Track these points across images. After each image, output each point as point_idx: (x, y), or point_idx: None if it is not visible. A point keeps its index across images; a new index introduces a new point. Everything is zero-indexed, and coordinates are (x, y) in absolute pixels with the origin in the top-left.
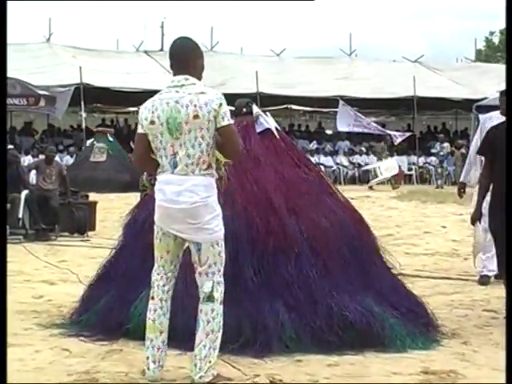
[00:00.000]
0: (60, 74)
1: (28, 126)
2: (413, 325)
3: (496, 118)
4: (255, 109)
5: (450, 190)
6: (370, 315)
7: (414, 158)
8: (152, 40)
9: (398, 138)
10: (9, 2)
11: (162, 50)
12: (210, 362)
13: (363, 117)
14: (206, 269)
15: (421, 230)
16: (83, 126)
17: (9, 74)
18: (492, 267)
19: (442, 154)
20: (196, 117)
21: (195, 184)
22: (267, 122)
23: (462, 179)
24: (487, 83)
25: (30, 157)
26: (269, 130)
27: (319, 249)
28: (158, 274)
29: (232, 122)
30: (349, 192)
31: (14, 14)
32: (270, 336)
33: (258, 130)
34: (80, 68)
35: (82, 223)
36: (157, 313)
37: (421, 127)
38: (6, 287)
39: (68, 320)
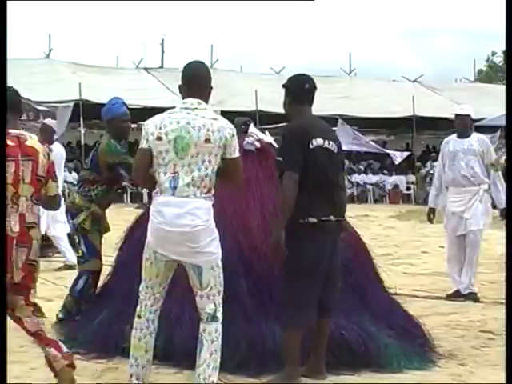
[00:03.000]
0: (59, 89)
1: None
2: (409, 345)
3: (454, 141)
4: (252, 128)
5: None
6: (366, 335)
7: (412, 178)
8: (152, 57)
9: (398, 157)
10: (9, 18)
11: (161, 66)
12: (213, 381)
13: (362, 135)
14: (208, 292)
15: (419, 250)
16: (82, 142)
17: None
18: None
19: (432, 172)
20: (207, 141)
21: (197, 207)
22: (254, 143)
23: (430, 204)
24: (486, 104)
25: None
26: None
27: None
28: (146, 294)
29: (239, 154)
30: (347, 211)
31: (14, 29)
32: (265, 355)
33: (246, 147)
34: (79, 84)
35: None
36: (143, 332)
37: (420, 147)
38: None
39: (64, 337)
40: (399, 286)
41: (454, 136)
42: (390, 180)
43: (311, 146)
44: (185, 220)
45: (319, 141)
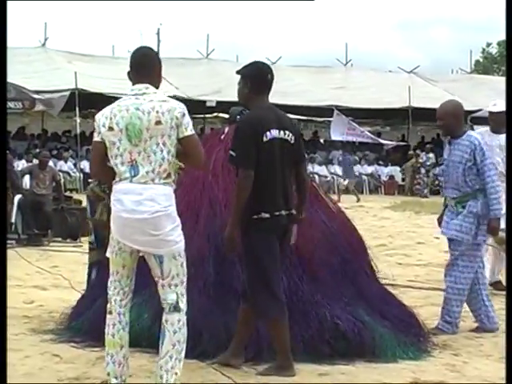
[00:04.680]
0: (55, 78)
1: (22, 130)
2: (404, 335)
3: (488, 135)
4: None
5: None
6: (360, 325)
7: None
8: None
9: (390, 145)
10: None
11: None
12: (176, 373)
13: (357, 125)
14: (170, 281)
15: (414, 241)
16: (77, 131)
17: None
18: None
19: (428, 163)
20: (158, 123)
21: (156, 193)
22: None
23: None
24: (482, 95)
25: (23, 161)
26: None
27: (308, 260)
28: (115, 289)
29: (194, 132)
30: (342, 202)
31: (10, 18)
32: (260, 344)
33: None
34: (75, 73)
35: (74, 229)
36: (116, 327)
37: (415, 138)
38: (6, 291)
39: (59, 326)
40: (394, 277)
41: (487, 129)
42: (386, 171)
43: (265, 139)
44: (143, 207)
45: (274, 132)
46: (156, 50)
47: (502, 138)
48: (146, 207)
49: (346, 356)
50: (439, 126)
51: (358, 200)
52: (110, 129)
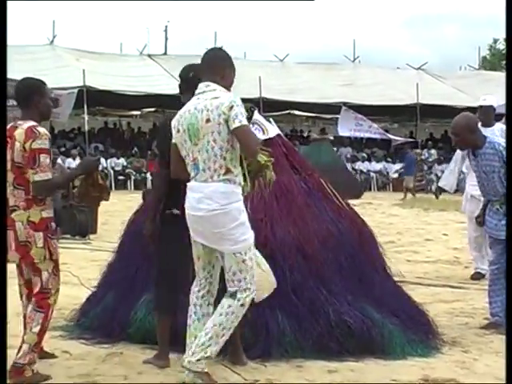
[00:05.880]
0: (63, 76)
1: None
2: (413, 332)
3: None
4: (256, 115)
5: (452, 198)
6: (369, 322)
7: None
8: (155, 44)
9: (398, 140)
10: (13, 4)
11: (165, 53)
12: (205, 352)
13: (365, 118)
14: (231, 276)
15: (422, 238)
16: (86, 128)
17: (12, 76)
18: (483, 266)
19: (430, 160)
20: (208, 121)
21: (213, 191)
22: (262, 130)
23: (440, 184)
24: (490, 91)
25: None
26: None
27: (315, 257)
28: (195, 280)
29: (245, 122)
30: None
31: (18, 16)
32: (270, 341)
33: None
34: (83, 71)
35: (83, 226)
36: (191, 318)
37: (424, 134)
38: (6, 289)
39: (69, 322)
40: (403, 274)
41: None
42: (394, 168)
43: None
44: (202, 204)
45: None
46: (226, 51)
47: (492, 130)
48: (204, 205)
49: (355, 353)
50: (456, 142)
51: (409, 196)
52: (178, 131)
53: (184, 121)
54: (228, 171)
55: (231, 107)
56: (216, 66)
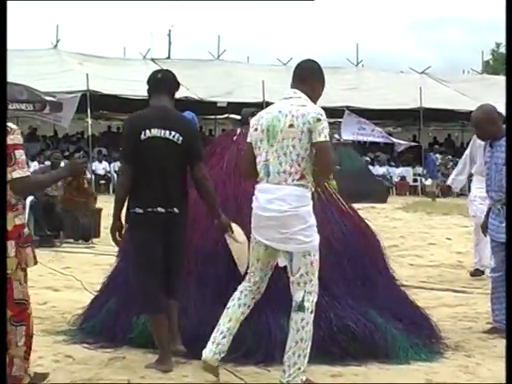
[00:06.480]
0: (67, 80)
1: (34, 131)
2: (416, 336)
3: None
4: None
5: (455, 202)
6: (372, 327)
7: (419, 170)
8: (159, 48)
9: (402, 146)
10: (17, 9)
11: (168, 57)
12: (299, 368)
13: (368, 122)
14: (298, 278)
15: (425, 242)
16: (89, 132)
17: (16, 80)
18: (484, 263)
19: (436, 164)
20: (291, 126)
21: (287, 193)
22: None
23: (448, 183)
24: (494, 95)
25: (35, 163)
26: None
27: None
28: (248, 278)
29: (328, 139)
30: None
31: (22, 19)
32: (272, 345)
33: None
34: (87, 75)
35: (86, 230)
36: (233, 302)
37: (427, 138)
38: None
39: (72, 327)
40: (406, 278)
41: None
42: (397, 172)
43: (143, 137)
44: (274, 205)
45: (154, 131)
46: (319, 64)
47: None
48: (276, 206)
49: (358, 357)
50: (478, 134)
51: (433, 200)
52: (256, 129)
53: (264, 121)
54: (302, 177)
55: (318, 119)
56: (308, 77)
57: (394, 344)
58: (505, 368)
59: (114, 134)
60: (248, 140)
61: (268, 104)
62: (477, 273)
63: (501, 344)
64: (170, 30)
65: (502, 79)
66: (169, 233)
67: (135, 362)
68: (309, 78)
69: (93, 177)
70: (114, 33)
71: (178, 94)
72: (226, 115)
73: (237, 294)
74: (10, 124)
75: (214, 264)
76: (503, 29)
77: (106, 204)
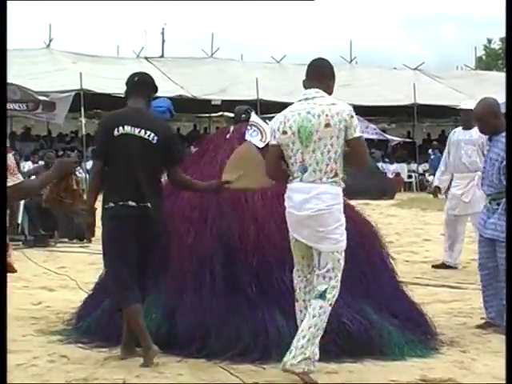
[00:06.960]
0: (60, 79)
1: (28, 131)
2: (411, 333)
3: (459, 132)
4: (253, 116)
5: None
6: (367, 324)
7: (413, 166)
8: (152, 46)
9: (395, 140)
10: (9, 7)
11: (162, 56)
12: (304, 354)
13: (362, 119)
14: (324, 272)
15: (420, 238)
16: (83, 131)
17: (9, 80)
18: (448, 258)
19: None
20: (327, 125)
21: (322, 191)
22: (260, 132)
23: (435, 183)
24: (487, 91)
25: (29, 163)
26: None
27: None
28: (299, 277)
29: (361, 134)
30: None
31: (15, 19)
32: (268, 343)
33: (248, 138)
34: (80, 74)
35: (81, 229)
36: (302, 313)
37: (421, 134)
38: (6, 293)
39: (67, 326)
40: (401, 274)
41: (461, 128)
42: (392, 168)
43: (116, 134)
44: (309, 204)
45: (127, 128)
46: (331, 63)
47: (467, 133)
48: (312, 204)
49: (353, 354)
50: (480, 127)
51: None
52: (284, 132)
53: (293, 123)
54: (336, 175)
55: (352, 116)
56: (323, 75)
57: (389, 340)
58: (505, 368)
59: None
60: (273, 143)
61: (262, 102)
62: (443, 266)
63: (495, 339)
64: (163, 28)
65: (495, 75)
66: (143, 227)
67: (130, 361)
68: (324, 76)
69: (86, 175)
70: (107, 31)
71: (170, 92)
72: (220, 113)
73: (301, 304)
74: None
75: (209, 265)
76: (496, 25)
77: (99, 203)
